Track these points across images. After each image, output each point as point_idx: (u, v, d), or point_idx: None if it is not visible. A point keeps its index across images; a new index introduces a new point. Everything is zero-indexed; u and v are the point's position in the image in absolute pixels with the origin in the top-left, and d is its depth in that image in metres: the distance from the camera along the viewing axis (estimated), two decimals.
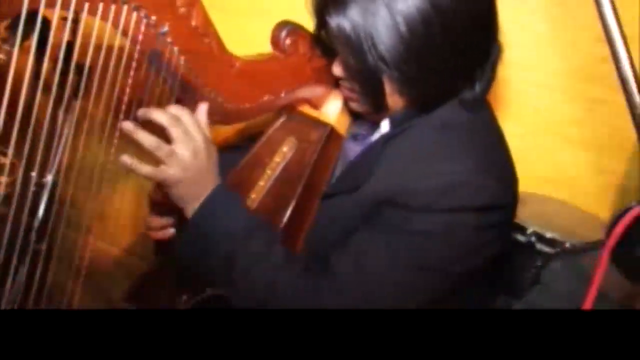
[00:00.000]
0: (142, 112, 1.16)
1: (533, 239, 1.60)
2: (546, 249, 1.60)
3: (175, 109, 1.19)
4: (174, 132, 1.17)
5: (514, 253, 1.57)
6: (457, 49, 1.18)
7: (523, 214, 1.42)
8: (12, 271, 1.32)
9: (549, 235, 1.60)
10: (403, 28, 1.13)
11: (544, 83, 1.82)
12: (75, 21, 1.59)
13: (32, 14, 1.33)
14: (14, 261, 1.33)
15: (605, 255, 1.07)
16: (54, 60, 1.60)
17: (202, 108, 1.26)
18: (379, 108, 1.28)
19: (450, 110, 1.26)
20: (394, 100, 1.25)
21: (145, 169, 1.17)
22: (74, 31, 1.58)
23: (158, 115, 1.16)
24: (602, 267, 1.08)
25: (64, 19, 1.63)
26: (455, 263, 1.21)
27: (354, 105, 1.37)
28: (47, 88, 1.48)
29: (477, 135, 1.25)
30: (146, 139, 1.14)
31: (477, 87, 1.25)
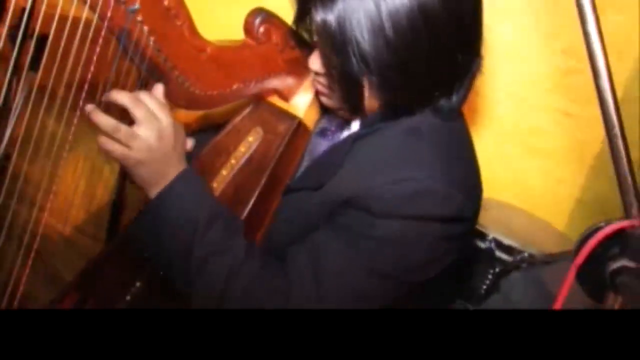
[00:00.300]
0: (104, 96, 1.09)
1: (492, 245, 1.57)
2: (504, 256, 1.58)
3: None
4: (137, 113, 1.10)
5: (473, 259, 1.54)
6: (441, 59, 1.12)
7: (484, 220, 1.40)
8: None
9: (507, 242, 1.58)
10: (389, 32, 1.07)
11: (509, 92, 1.81)
12: None
13: None
14: None
15: (572, 273, 1.04)
16: (11, 28, 1.51)
17: (159, 88, 1.17)
18: (355, 110, 1.22)
19: (423, 116, 1.20)
20: (370, 103, 1.19)
21: (110, 146, 1.10)
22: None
23: (119, 96, 1.09)
24: (567, 285, 1.05)
25: None
26: (412, 271, 1.16)
27: (325, 100, 1.30)
28: (2, 57, 1.40)
29: (447, 144, 1.20)
30: (103, 121, 1.07)
31: (454, 98, 1.19)
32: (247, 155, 1.36)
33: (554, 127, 1.78)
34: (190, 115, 1.57)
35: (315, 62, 1.21)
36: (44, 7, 1.15)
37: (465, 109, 1.28)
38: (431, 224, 1.12)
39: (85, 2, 1.01)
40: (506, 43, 1.73)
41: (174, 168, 1.16)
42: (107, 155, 1.11)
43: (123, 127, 1.08)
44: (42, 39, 1.37)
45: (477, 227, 1.43)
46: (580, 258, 1.03)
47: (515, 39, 1.74)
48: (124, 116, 1.11)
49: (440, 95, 1.18)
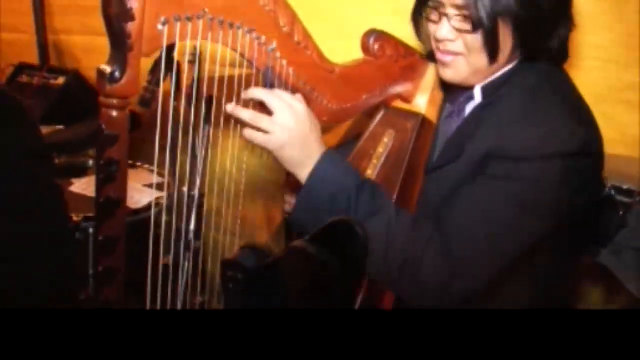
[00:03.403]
0: (244, 94, 1.12)
1: (612, 191, 1.47)
2: (625, 199, 1.47)
3: None
4: (272, 102, 1.11)
5: (597, 207, 1.44)
6: (555, 3, 1.15)
7: None
8: (181, 264, 1.31)
9: (624, 186, 1.47)
10: None
11: (596, 57, 1.70)
12: (199, 62, 1.60)
13: (167, 59, 1.33)
14: (181, 256, 1.33)
15: None
16: (188, 95, 1.61)
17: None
18: (494, 52, 1.16)
19: (534, 77, 1.19)
20: (504, 46, 1.16)
21: (254, 134, 1.12)
22: (199, 69, 1.59)
23: (255, 91, 1.12)
24: None
25: (190, 62, 1.63)
26: (555, 206, 1.12)
27: (451, 73, 1.25)
28: (185, 119, 1.48)
29: (562, 92, 1.19)
30: (244, 113, 1.11)
31: (563, 37, 1.20)
32: (385, 154, 1.35)
33: None
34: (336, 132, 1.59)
35: (443, 29, 1.19)
36: (206, 74, 1.22)
37: None
38: (564, 159, 1.09)
39: (236, 50, 1.05)
40: (585, 11, 1.63)
41: (316, 148, 1.15)
42: (252, 143, 1.14)
43: (262, 116, 1.11)
44: (209, 98, 1.45)
45: None
46: None
47: (593, 6, 1.64)
48: (263, 112, 1.13)
49: (554, 37, 1.18)
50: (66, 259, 1.17)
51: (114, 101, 0.92)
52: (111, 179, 0.92)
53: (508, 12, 1.11)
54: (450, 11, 1.16)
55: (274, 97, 1.12)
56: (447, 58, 1.23)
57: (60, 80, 2.35)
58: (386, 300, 1.26)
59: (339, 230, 0.62)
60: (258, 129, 1.12)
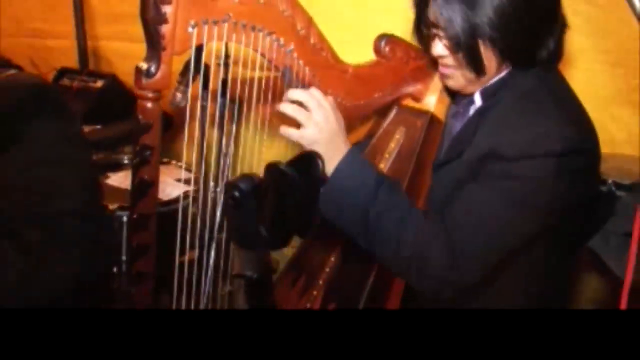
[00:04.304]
0: (285, 96, 1.23)
1: (613, 187, 1.53)
2: (624, 194, 1.53)
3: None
4: (310, 103, 1.21)
5: (597, 202, 1.51)
6: (535, 16, 1.21)
7: (603, 169, 1.37)
8: (205, 256, 1.39)
9: (625, 182, 1.54)
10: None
11: (605, 60, 1.77)
12: (226, 64, 1.72)
13: (196, 63, 1.44)
14: (206, 247, 1.39)
15: None
16: (216, 96, 1.72)
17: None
18: (478, 69, 1.26)
19: (530, 80, 1.25)
20: (489, 62, 1.25)
21: (291, 131, 1.22)
22: (226, 71, 1.70)
23: (296, 94, 1.22)
24: None
25: (219, 64, 1.75)
26: (547, 204, 1.19)
27: (452, 83, 1.35)
28: (212, 119, 1.58)
29: (554, 95, 1.25)
30: (288, 107, 1.21)
31: (551, 45, 1.25)
32: (397, 150, 1.45)
33: None
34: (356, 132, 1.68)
35: (437, 47, 1.28)
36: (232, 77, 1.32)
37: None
38: (556, 159, 1.15)
39: (257, 51, 1.17)
40: (593, 22, 1.71)
41: (342, 145, 1.24)
42: (288, 137, 1.24)
43: (303, 111, 1.21)
44: (236, 99, 1.56)
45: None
46: None
47: (599, 16, 1.73)
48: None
49: (539, 45, 1.24)
50: (102, 238, 1.29)
51: (149, 94, 1.04)
52: (145, 163, 1.05)
53: (484, 35, 1.20)
54: (440, 32, 1.25)
55: (311, 98, 1.22)
56: (445, 71, 1.33)
57: (99, 83, 2.50)
58: (395, 289, 1.37)
59: (306, 158, 0.76)
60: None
